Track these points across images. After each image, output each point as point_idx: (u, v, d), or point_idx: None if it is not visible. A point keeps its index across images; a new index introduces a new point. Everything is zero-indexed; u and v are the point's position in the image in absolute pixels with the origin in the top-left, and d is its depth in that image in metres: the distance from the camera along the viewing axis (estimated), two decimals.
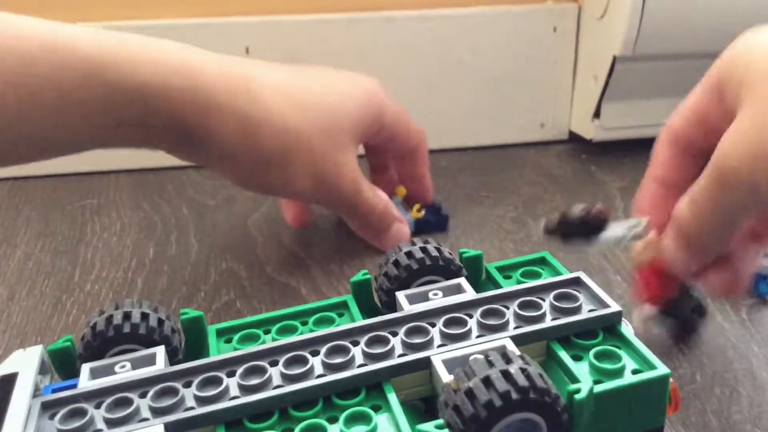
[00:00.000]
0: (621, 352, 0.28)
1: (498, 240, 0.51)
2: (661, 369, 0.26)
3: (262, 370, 0.27)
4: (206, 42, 0.62)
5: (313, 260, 0.48)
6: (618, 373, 0.26)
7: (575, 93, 0.69)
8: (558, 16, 0.66)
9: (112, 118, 0.36)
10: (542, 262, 0.35)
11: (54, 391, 0.27)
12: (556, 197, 0.57)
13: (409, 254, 0.33)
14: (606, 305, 0.29)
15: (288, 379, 0.27)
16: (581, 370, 0.27)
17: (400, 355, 0.27)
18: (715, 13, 0.58)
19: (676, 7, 0.57)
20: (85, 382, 0.27)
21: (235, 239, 0.52)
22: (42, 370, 0.29)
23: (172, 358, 0.29)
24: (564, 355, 0.28)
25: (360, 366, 0.27)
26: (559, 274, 0.33)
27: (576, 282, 0.31)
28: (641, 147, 0.67)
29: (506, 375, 0.23)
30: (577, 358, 0.28)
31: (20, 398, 0.26)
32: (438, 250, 0.33)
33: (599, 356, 0.27)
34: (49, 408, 0.26)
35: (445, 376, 0.26)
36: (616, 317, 0.29)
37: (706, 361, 0.37)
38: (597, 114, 0.65)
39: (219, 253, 0.50)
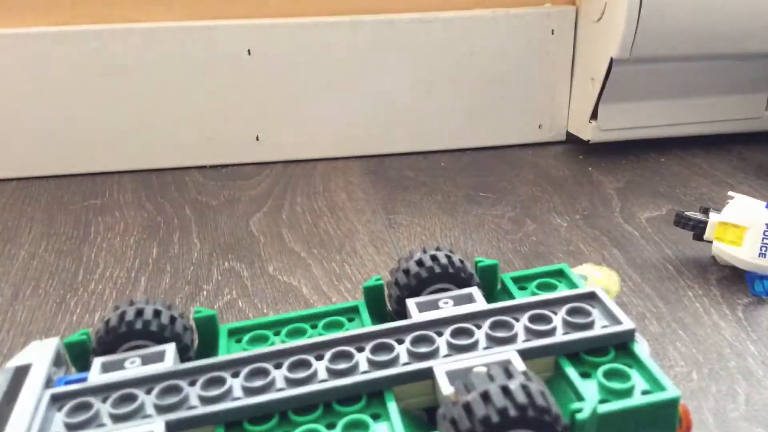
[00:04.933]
0: (631, 372, 0.27)
1: (496, 240, 0.51)
2: (672, 391, 0.25)
3: (265, 373, 0.27)
4: (208, 44, 0.62)
5: (314, 260, 0.49)
6: (627, 393, 0.26)
7: (573, 95, 0.69)
8: (556, 18, 0.66)
9: None
10: (559, 274, 0.35)
11: (67, 383, 0.28)
12: (554, 198, 0.58)
13: (419, 262, 0.32)
14: (619, 322, 0.29)
15: (291, 382, 0.27)
16: (588, 388, 0.26)
17: (404, 364, 0.27)
18: (710, 16, 0.59)
19: (672, 10, 0.58)
20: (95, 376, 0.28)
21: (237, 239, 0.52)
22: (57, 362, 0.29)
23: (183, 355, 0.30)
24: (572, 372, 0.27)
25: (363, 373, 0.27)
26: (575, 287, 0.33)
27: (590, 297, 0.31)
28: (638, 148, 0.68)
29: (506, 391, 0.22)
30: (585, 375, 0.27)
31: (31, 389, 0.27)
32: (448, 257, 0.32)
33: (609, 375, 0.27)
34: (58, 400, 0.27)
35: (447, 388, 0.26)
36: (629, 335, 0.28)
37: (703, 360, 0.37)
38: (594, 115, 0.65)
39: (221, 253, 0.50)
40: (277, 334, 0.32)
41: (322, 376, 0.27)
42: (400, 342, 0.29)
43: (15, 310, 0.44)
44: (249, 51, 0.63)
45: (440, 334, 0.29)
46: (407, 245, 0.51)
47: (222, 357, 0.29)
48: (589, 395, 0.26)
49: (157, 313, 0.30)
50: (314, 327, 0.32)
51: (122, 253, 0.51)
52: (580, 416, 0.24)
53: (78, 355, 0.30)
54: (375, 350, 0.28)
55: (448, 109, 0.68)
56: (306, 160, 0.67)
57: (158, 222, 0.55)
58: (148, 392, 0.27)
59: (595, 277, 0.41)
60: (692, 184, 0.61)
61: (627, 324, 0.29)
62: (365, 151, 0.68)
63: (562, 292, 0.31)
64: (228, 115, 0.65)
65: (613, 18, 0.60)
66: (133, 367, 0.28)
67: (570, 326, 0.29)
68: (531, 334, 0.29)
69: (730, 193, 0.46)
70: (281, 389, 0.27)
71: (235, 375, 0.28)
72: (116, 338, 0.29)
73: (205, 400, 0.26)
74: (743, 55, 0.63)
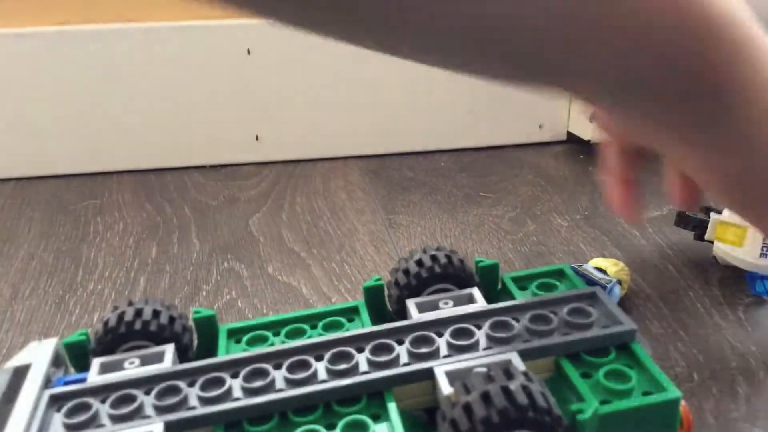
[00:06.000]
0: (632, 372, 0.27)
1: (497, 240, 0.51)
2: (673, 392, 0.25)
3: (265, 373, 0.27)
4: (208, 44, 0.62)
5: (314, 260, 0.49)
6: (627, 393, 0.26)
7: None
8: None
9: None
10: (560, 274, 0.35)
11: (66, 383, 0.28)
12: (554, 198, 0.58)
13: (419, 262, 0.32)
14: (619, 322, 0.29)
15: (290, 383, 0.27)
16: (589, 388, 0.26)
17: (405, 364, 0.27)
18: None
19: None
20: (94, 376, 0.28)
21: (236, 239, 0.52)
22: (56, 363, 0.29)
23: (183, 355, 0.30)
24: (572, 373, 0.27)
25: (363, 373, 0.27)
26: (576, 287, 0.33)
27: (591, 297, 0.31)
28: None
29: (506, 391, 0.22)
30: (586, 376, 0.27)
31: (30, 389, 0.27)
32: (448, 257, 0.32)
33: (609, 375, 0.27)
34: (57, 401, 0.27)
35: (447, 388, 0.26)
36: (630, 335, 0.28)
37: (703, 360, 0.37)
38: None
39: (220, 253, 0.50)
40: (276, 334, 0.32)
41: (322, 376, 0.27)
42: (400, 342, 0.29)
43: (14, 310, 0.44)
44: (249, 51, 0.63)
45: (440, 335, 0.29)
46: (407, 245, 0.50)
47: (221, 357, 0.28)
48: (590, 396, 0.26)
49: (156, 314, 0.30)
50: (314, 327, 0.32)
51: (121, 253, 0.51)
52: (580, 417, 0.24)
53: (77, 356, 0.30)
54: (375, 350, 0.28)
55: (448, 109, 0.68)
56: (306, 160, 0.67)
57: (158, 222, 0.55)
58: (148, 393, 0.27)
59: (612, 270, 0.41)
60: None
61: (627, 324, 0.29)
62: (365, 151, 0.68)
63: (563, 292, 0.31)
64: (228, 115, 0.65)
65: None
66: (133, 367, 0.28)
67: (570, 326, 0.29)
68: (531, 334, 0.29)
69: None
70: (281, 390, 0.27)
71: (235, 375, 0.28)
72: (115, 339, 0.29)
73: (205, 401, 0.26)
74: None
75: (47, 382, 0.28)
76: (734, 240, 0.43)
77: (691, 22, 0.24)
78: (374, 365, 0.28)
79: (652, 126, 0.29)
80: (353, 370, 0.27)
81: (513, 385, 0.23)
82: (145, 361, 0.29)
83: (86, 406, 0.26)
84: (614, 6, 0.23)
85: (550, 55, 0.24)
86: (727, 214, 0.44)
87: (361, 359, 0.28)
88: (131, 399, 0.26)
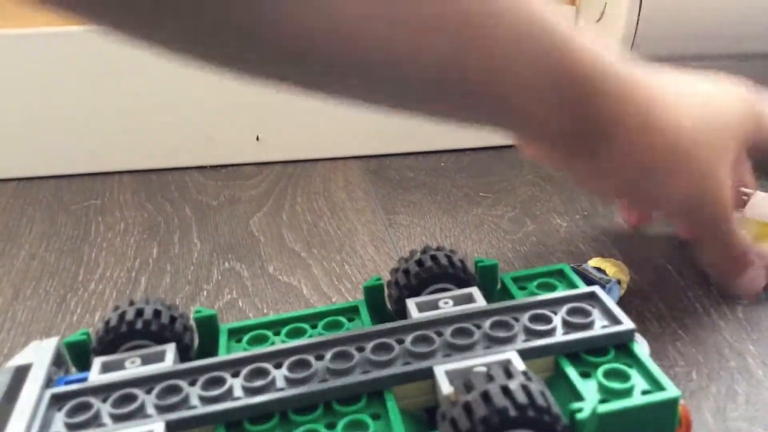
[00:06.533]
0: (631, 372, 0.27)
1: (496, 240, 0.51)
2: (672, 391, 0.26)
3: (265, 373, 0.28)
4: None
5: (314, 260, 0.49)
6: (626, 393, 0.26)
7: None
8: None
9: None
10: (559, 274, 0.35)
11: (67, 383, 0.28)
12: (554, 198, 0.58)
13: (419, 262, 0.32)
14: (619, 322, 0.29)
15: (291, 382, 0.27)
16: (588, 388, 0.26)
17: (404, 364, 0.28)
18: (710, 16, 0.59)
19: (672, 10, 0.58)
20: (95, 376, 0.28)
21: (237, 239, 0.52)
22: (57, 362, 0.29)
23: (184, 355, 0.30)
24: (571, 372, 0.27)
25: (363, 373, 0.27)
26: (575, 287, 0.33)
27: (590, 297, 0.31)
28: None
29: (506, 391, 0.23)
30: (585, 375, 0.27)
31: (32, 389, 0.27)
32: (448, 257, 0.33)
33: (608, 375, 0.27)
34: (58, 400, 0.27)
35: (446, 388, 0.26)
36: (629, 335, 0.29)
37: (703, 360, 0.37)
38: None
39: (221, 253, 0.50)
40: (277, 334, 0.32)
41: (322, 376, 0.27)
42: (400, 342, 0.29)
43: (15, 310, 0.44)
44: None
45: (440, 334, 0.29)
46: (407, 245, 0.51)
47: (222, 357, 0.29)
48: (589, 395, 0.26)
49: (157, 313, 0.30)
50: (314, 327, 0.32)
51: (122, 253, 0.51)
52: (579, 416, 0.24)
53: (78, 355, 0.30)
54: (375, 350, 0.28)
55: None
56: (306, 160, 0.67)
57: (158, 222, 0.56)
58: (149, 392, 0.27)
59: (611, 269, 0.42)
60: None
61: (627, 324, 0.29)
62: (365, 151, 0.68)
63: (562, 292, 0.32)
64: (228, 115, 0.65)
65: (612, 18, 0.60)
66: (134, 366, 0.28)
67: (570, 326, 0.29)
68: (531, 334, 0.29)
69: (743, 189, 0.45)
70: (281, 389, 0.27)
71: (236, 375, 0.28)
72: (116, 338, 0.29)
73: (206, 400, 0.27)
74: (743, 55, 0.63)
75: (48, 382, 0.28)
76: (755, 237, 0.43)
77: (579, 77, 0.31)
78: (374, 364, 0.28)
79: (550, 154, 0.38)
80: (353, 370, 0.28)
81: (513, 385, 0.23)
82: (146, 360, 0.29)
83: (87, 406, 0.26)
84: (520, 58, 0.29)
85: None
86: (748, 213, 0.44)
87: (361, 359, 0.28)
88: (132, 398, 0.27)
